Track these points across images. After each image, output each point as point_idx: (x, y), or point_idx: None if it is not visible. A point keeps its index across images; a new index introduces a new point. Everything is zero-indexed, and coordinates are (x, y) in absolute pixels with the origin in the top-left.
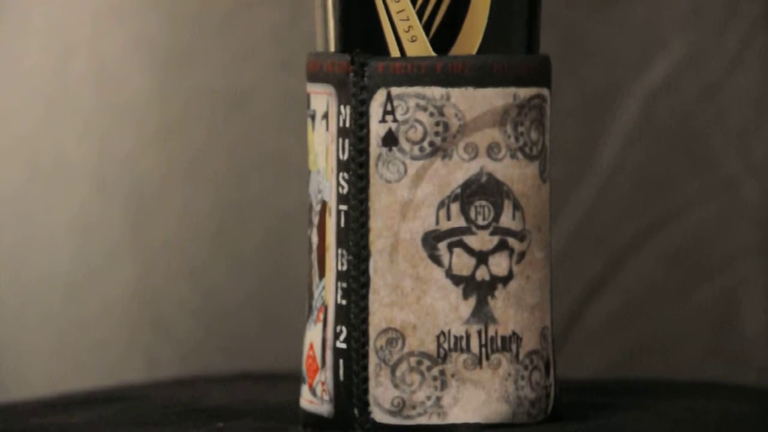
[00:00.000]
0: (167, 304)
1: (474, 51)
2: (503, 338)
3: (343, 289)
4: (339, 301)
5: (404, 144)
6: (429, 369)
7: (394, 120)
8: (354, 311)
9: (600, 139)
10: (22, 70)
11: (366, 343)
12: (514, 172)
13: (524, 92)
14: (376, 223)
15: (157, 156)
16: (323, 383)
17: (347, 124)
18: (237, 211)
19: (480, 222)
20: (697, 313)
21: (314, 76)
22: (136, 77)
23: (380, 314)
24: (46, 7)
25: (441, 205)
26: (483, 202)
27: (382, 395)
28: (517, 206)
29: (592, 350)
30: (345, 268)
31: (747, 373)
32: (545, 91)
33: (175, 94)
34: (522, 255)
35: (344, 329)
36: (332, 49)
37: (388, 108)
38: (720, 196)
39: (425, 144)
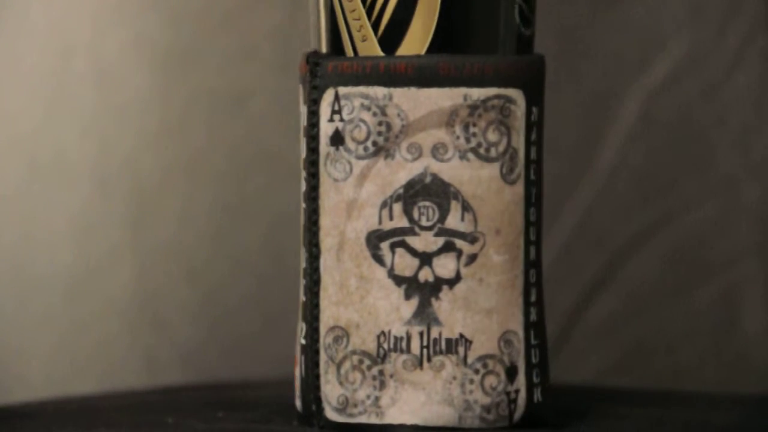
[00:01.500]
0: (167, 304)
1: (423, 51)
2: (448, 340)
3: (303, 286)
4: (302, 297)
5: (350, 143)
6: (369, 368)
7: (341, 119)
8: (309, 308)
9: (600, 139)
10: (22, 70)
11: (318, 340)
12: (463, 173)
13: (478, 93)
14: (325, 222)
15: (157, 156)
16: (296, 378)
17: (304, 123)
18: (237, 211)
19: (423, 223)
20: (697, 313)
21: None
22: (136, 77)
23: (329, 312)
24: (46, 7)
25: (383, 204)
26: (427, 203)
27: (330, 392)
28: (466, 208)
29: (592, 350)
30: (305, 265)
31: (747, 373)
32: (513, 92)
33: (175, 94)
34: (473, 257)
35: (304, 326)
36: (324, 50)
37: (336, 108)
38: (720, 196)
39: (369, 144)
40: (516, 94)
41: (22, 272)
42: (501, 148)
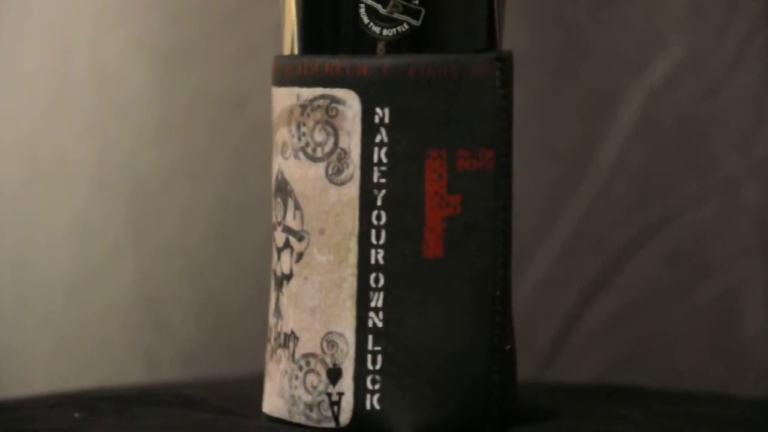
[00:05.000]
0: (168, 305)
1: (293, 51)
2: (285, 335)
3: None
4: None
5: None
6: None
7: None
8: None
9: (600, 139)
10: (22, 70)
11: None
12: (296, 172)
13: (307, 92)
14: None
15: (158, 156)
16: None
17: None
18: (238, 211)
19: (277, 218)
20: (697, 313)
21: None
22: (136, 77)
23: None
24: (46, 7)
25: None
26: (278, 200)
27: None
28: (297, 206)
29: (592, 350)
30: None
31: (747, 373)
32: (341, 92)
33: (176, 94)
34: (300, 255)
35: None
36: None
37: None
38: (720, 196)
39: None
40: (345, 94)
41: (22, 273)
42: (327, 148)
